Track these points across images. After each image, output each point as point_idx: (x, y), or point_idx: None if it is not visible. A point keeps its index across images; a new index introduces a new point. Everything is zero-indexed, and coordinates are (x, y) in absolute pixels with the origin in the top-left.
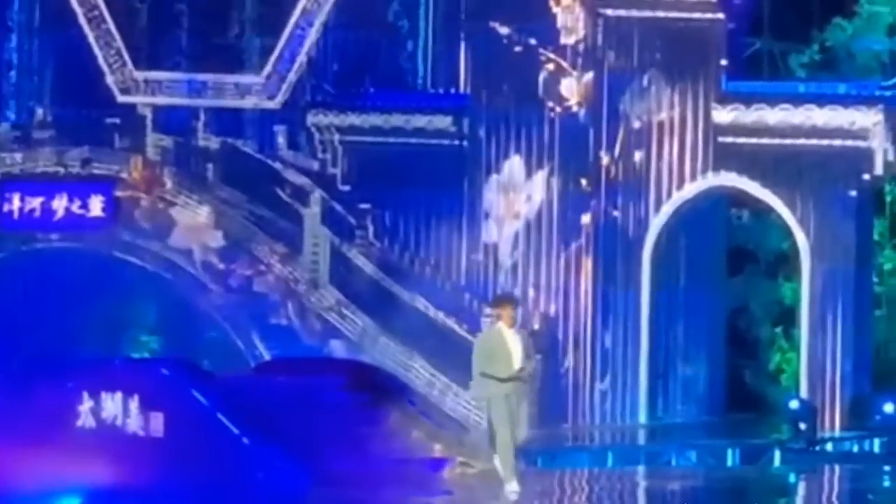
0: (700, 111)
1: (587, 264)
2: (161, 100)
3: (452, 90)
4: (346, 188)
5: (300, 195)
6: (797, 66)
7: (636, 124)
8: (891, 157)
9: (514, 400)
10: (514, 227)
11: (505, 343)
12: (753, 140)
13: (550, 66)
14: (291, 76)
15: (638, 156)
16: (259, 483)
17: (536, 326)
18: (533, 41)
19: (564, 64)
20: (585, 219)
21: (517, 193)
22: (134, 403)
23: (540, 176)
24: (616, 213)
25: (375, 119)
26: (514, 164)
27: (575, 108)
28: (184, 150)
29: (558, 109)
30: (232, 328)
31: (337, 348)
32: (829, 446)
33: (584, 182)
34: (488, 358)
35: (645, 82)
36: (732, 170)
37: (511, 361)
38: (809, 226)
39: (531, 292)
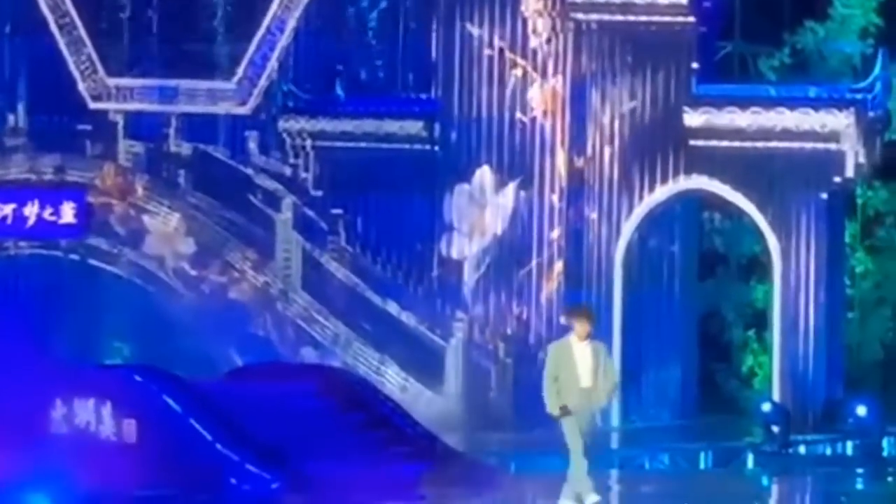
0: (671, 114)
1: (558, 268)
2: (133, 106)
3: (424, 95)
4: (318, 193)
5: (272, 201)
6: (768, 69)
7: (607, 128)
8: (862, 160)
9: (586, 416)
10: (487, 234)
11: (572, 357)
12: (725, 143)
13: (518, 72)
14: (263, 82)
15: (609, 159)
16: (232, 489)
17: (509, 331)
18: (503, 46)
19: (531, 69)
20: (556, 222)
21: (488, 199)
22: (106, 410)
23: (510, 181)
24: (587, 217)
25: (347, 124)
26: (485, 172)
27: (545, 111)
28: (156, 156)
29: (529, 114)
30: (204, 334)
31: (309, 354)
32: (801, 449)
33: (555, 186)
34: (555, 372)
35: (615, 85)
36: (704, 173)
37: (577, 377)
38: (781, 229)
39: (503, 297)
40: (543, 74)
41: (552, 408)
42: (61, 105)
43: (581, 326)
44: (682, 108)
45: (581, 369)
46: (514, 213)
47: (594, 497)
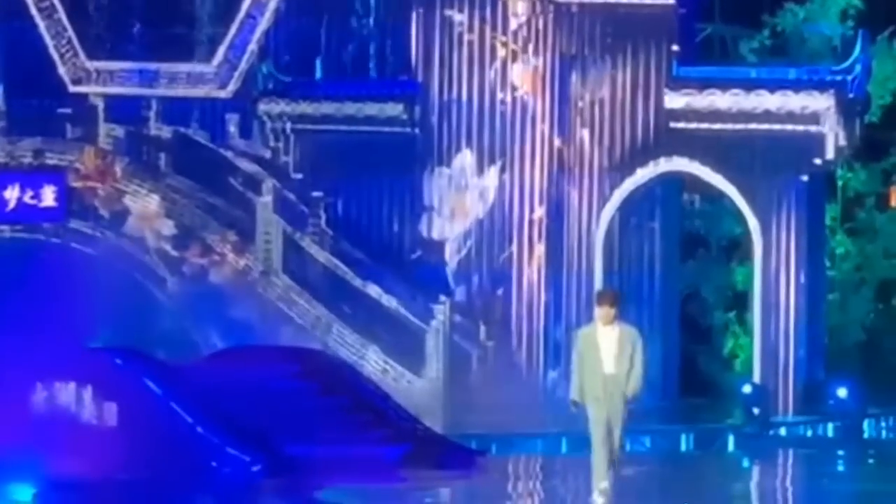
0: (652, 96)
1: (540, 249)
2: (113, 89)
3: (404, 78)
4: (299, 176)
5: (252, 184)
6: (748, 51)
7: (588, 110)
8: (842, 142)
9: (612, 403)
10: (468, 216)
11: (596, 343)
12: (705, 125)
13: (502, 52)
14: (243, 65)
15: (589, 141)
16: (213, 471)
17: (490, 314)
18: (483, 27)
19: (516, 47)
20: (537, 204)
21: (469, 182)
22: (87, 393)
23: (490, 164)
24: (568, 199)
25: (327, 107)
26: (465, 155)
27: (527, 94)
28: (136, 139)
29: (510, 96)
30: (186, 317)
31: (290, 336)
32: (782, 431)
33: (536, 168)
34: (580, 357)
35: (596, 68)
36: (684, 155)
37: (601, 363)
38: (761, 211)
39: (484, 279)
40: (524, 57)
41: (572, 394)
42: (41, 88)
43: (602, 311)
44: (662, 91)
45: (605, 354)
46: (495, 196)
47: (603, 483)
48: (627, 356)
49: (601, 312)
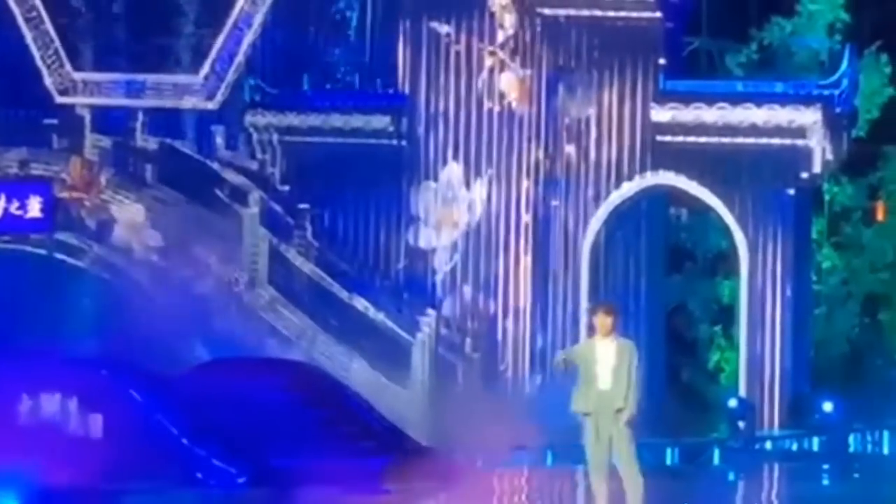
0: (638, 110)
1: (526, 263)
2: (99, 100)
3: (391, 90)
4: (285, 188)
5: (239, 195)
6: (735, 65)
7: (574, 123)
8: (829, 156)
9: (606, 421)
10: (454, 229)
11: (593, 356)
12: (692, 139)
13: (490, 62)
14: (230, 76)
15: (576, 154)
16: (198, 483)
17: (475, 327)
18: (471, 39)
19: (504, 57)
20: (524, 217)
21: (456, 195)
22: (73, 404)
23: (478, 175)
24: (555, 212)
25: (314, 119)
26: (451, 168)
27: (514, 105)
28: (122, 150)
29: (497, 107)
30: (171, 329)
31: (275, 348)
32: (768, 445)
33: (523, 181)
34: (580, 370)
35: (583, 81)
36: (671, 168)
37: (596, 376)
38: (748, 224)
39: (470, 291)
40: (511, 68)
41: (573, 404)
42: (28, 99)
43: (598, 322)
44: (649, 104)
45: (600, 369)
46: (481, 208)
47: None
48: (624, 371)
49: (597, 323)
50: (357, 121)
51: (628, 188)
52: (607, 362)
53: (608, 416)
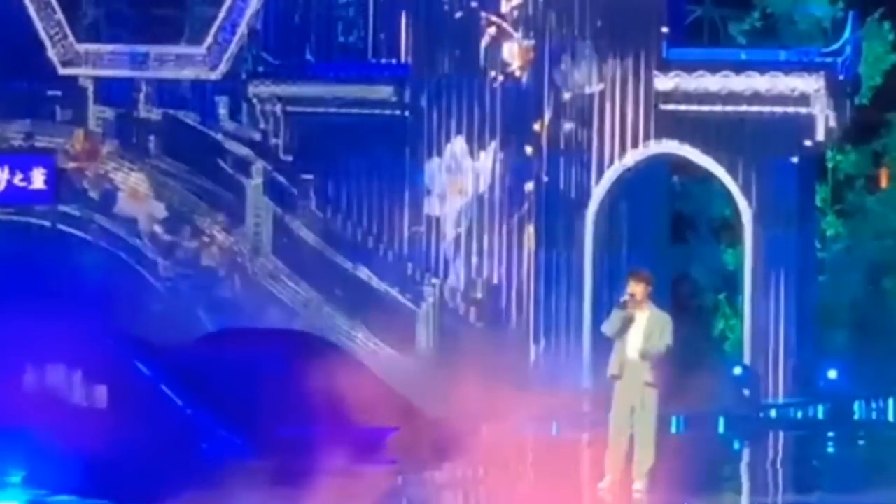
0: (641, 78)
1: (530, 232)
2: (103, 72)
3: (394, 60)
4: (289, 159)
5: (242, 166)
6: (738, 32)
7: (577, 92)
8: (832, 124)
9: (629, 391)
10: (458, 199)
11: (630, 322)
12: (695, 107)
13: (492, 31)
14: (233, 47)
15: (579, 123)
16: (203, 454)
17: (479, 295)
18: (474, 6)
19: (506, 26)
20: (528, 187)
21: (460, 165)
22: (77, 375)
23: (479, 147)
24: (558, 181)
25: (317, 89)
26: (455, 139)
27: (517, 74)
28: (126, 122)
29: (500, 76)
30: (176, 300)
31: (279, 318)
32: (772, 413)
33: (526, 150)
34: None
35: (586, 49)
36: (674, 137)
37: (626, 345)
38: (752, 192)
39: (474, 261)
40: (514, 38)
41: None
42: (31, 71)
43: (632, 293)
44: (652, 72)
45: (632, 337)
46: (485, 178)
47: (608, 479)
48: (653, 343)
49: (629, 290)
50: (360, 91)
51: (632, 157)
52: (638, 331)
53: (633, 387)
